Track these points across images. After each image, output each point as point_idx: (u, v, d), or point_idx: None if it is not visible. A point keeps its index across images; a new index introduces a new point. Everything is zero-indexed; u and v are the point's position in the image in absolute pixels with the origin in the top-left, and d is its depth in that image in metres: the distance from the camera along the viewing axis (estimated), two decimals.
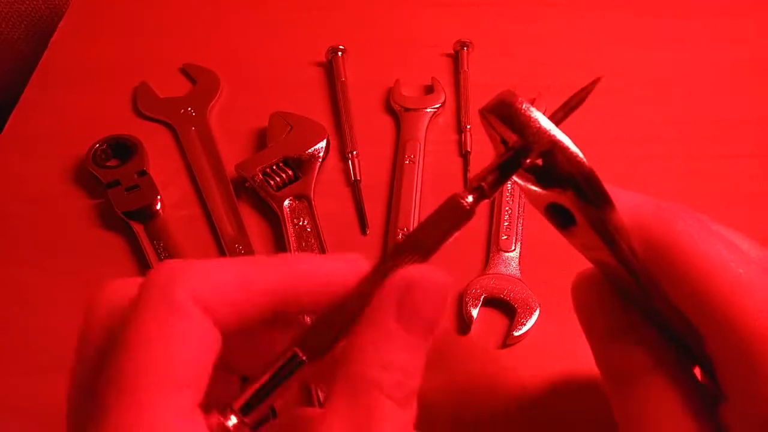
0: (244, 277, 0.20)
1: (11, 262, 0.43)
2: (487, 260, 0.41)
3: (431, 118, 0.49)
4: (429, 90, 0.51)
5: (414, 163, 0.46)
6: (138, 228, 0.43)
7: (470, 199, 0.22)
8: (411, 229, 0.42)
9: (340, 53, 0.52)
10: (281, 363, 0.20)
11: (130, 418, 0.17)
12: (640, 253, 0.22)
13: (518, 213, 0.43)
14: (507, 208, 0.43)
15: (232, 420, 0.19)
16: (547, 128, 0.21)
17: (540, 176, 0.22)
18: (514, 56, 0.54)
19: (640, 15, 0.57)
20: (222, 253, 0.42)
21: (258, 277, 0.20)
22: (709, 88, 0.51)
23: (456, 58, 0.53)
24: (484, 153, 0.47)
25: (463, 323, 0.39)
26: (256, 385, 0.20)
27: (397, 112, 0.50)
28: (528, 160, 0.21)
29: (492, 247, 0.41)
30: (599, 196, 0.21)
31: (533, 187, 0.23)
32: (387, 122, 0.50)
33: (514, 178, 0.23)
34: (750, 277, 0.21)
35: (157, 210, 0.44)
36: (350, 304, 0.20)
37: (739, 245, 0.22)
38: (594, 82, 0.24)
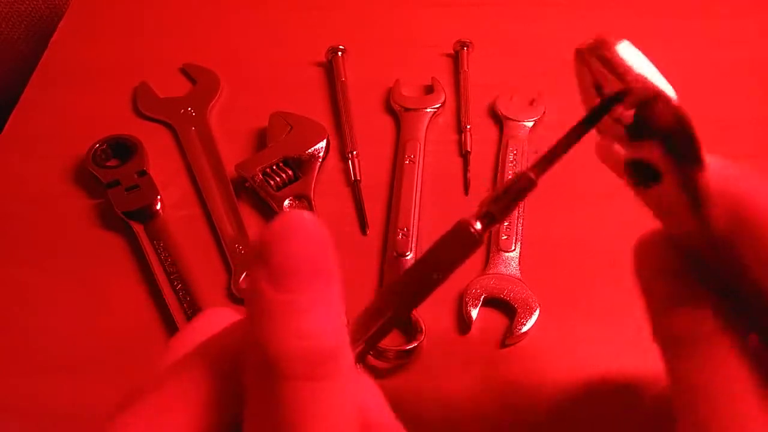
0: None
1: (11, 262, 0.43)
2: (487, 260, 0.41)
3: (431, 118, 0.49)
4: (429, 90, 0.51)
5: (414, 163, 0.46)
6: (138, 228, 0.43)
7: (479, 225, 0.21)
8: (411, 229, 0.42)
9: (340, 53, 0.52)
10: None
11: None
12: (722, 218, 0.21)
13: (518, 213, 0.43)
14: None
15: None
16: (652, 75, 0.20)
17: (632, 127, 0.21)
18: (514, 56, 0.54)
19: (640, 15, 0.57)
20: (222, 253, 0.42)
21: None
22: (709, 88, 0.51)
23: (456, 58, 0.53)
24: (484, 153, 0.47)
25: (463, 323, 0.39)
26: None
27: (397, 112, 0.50)
28: (622, 109, 0.20)
29: (492, 247, 0.41)
30: (695, 154, 0.20)
31: (614, 141, 0.21)
32: (387, 122, 0.50)
33: (593, 131, 0.21)
34: None
35: (157, 210, 0.44)
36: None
37: None
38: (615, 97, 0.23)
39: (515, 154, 0.46)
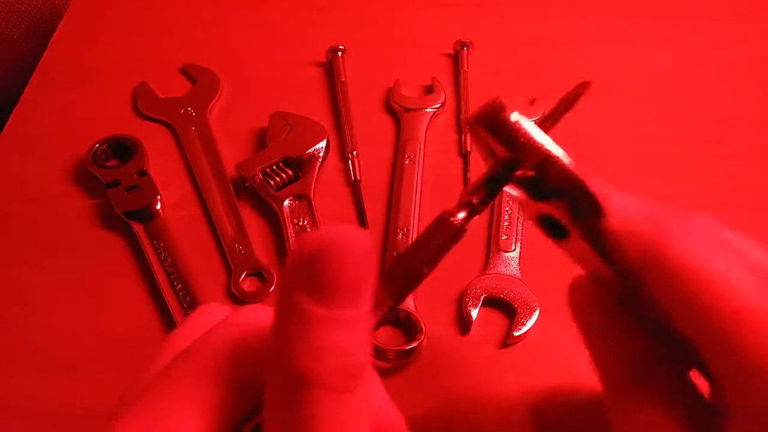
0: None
1: (11, 262, 0.43)
2: (487, 260, 0.41)
3: (431, 118, 0.49)
4: (429, 90, 0.51)
5: (414, 163, 0.46)
6: (138, 228, 0.43)
7: (461, 216, 0.21)
8: (411, 229, 0.42)
9: (340, 53, 0.52)
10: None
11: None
12: (633, 261, 0.21)
13: (518, 213, 0.43)
14: (507, 209, 0.43)
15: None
16: (538, 141, 0.20)
17: (531, 188, 0.21)
18: (514, 56, 0.54)
19: (640, 15, 0.57)
20: (222, 253, 0.42)
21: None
22: (709, 89, 0.51)
23: (456, 58, 0.53)
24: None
25: (463, 323, 0.39)
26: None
27: (397, 112, 0.50)
28: (519, 173, 0.21)
29: (492, 247, 0.41)
30: (591, 208, 0.20)
31: (525, 199, 0.22)
32: (387, 122, 0.50)
33: (506, 189, 0.22)
34: (746, 291, 0.19)
35: (157, 210, 0.44)
36: None
37: (740, 252, 0.21)
38: (582, 86, 0.23)
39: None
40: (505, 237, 0.42)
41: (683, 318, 0.20)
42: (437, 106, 0.49)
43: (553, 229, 0.23)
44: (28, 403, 0.37)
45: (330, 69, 0.53)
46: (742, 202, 0.44)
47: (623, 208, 0.21)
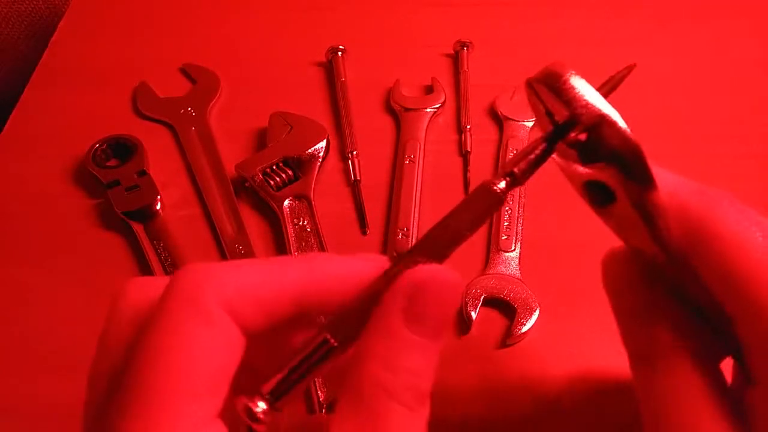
0: (270, 278, 0.20)
1: (11, 262, 0.43)
2: (487, 260, 0.41)
3: (431, 118, 0.49)
4: (429, 90, 0.51)
5: (414, 163, 0.46)
6: (138, 228, 0.43)
7: (502, 185, 0.22)
8: (411, 229, 0.42)
9: (340, 53, 0.52)
10: (311, 348, 0.20)
11: (147, 427, 0.17)
12: (678, 234, 0.22)
13: (518, 213, 0.43)
14: (507, 209, 0.43)
15: (261, 406, 0.19)
16: (597, 102, 0.21)
17: (583, 151, 0.22)
18: (514, 56, 0.54)
19: (641, 15, 0.57)
20: (222, 253, 0.42)
21: (284, 278, 0.20)
22: (710, 88, 0.51)
23: (456, 58, 0.53)
24: (484, 153, 0.47)
25: (463, 323, 0.39)
26: (286, 370, 0.20)
27: (397, 112, 0.50)
28: (573, 134, 0.21)
29: (492, 247, 0.41)
30: (644, 174, 0.21)
31: (573, 163, 0.22)
32: (387, 122, 0.50)
33: (554, 156, 0.22)
34: None
35: (157, 210, 0.44)
36: (380, 290, 0.20)
37: None
38: (628, 69, 0.24)
39: (515, 154, 0.46)
40: (505, 237, 0.42)
41: (725, 289, 0.21)
42: (437, 106, 0.49)
43: (599, 194, 0.23)
44: (28, 403, 0.37)
45: (330, 69, 0.53)
46: (743, 202, 0.44)
47: (673, 180, 0.22)
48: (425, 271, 0.20)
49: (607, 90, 0.23)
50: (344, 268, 0.21)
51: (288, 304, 0.20)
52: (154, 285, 0.20)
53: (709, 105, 0.50)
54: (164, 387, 0.18)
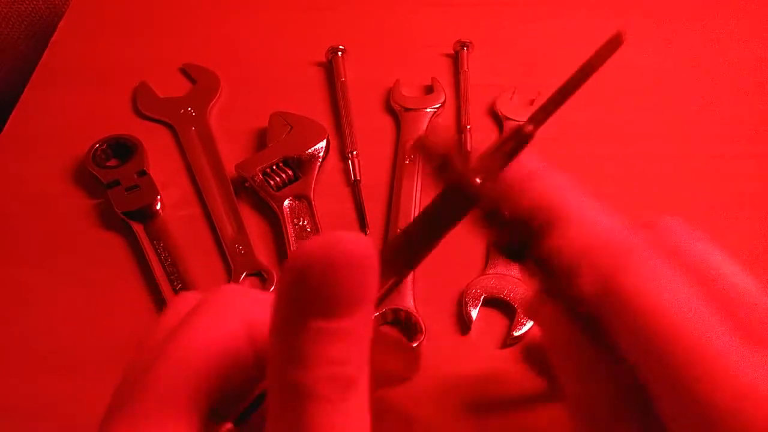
0: None
1: (11, 262, 0.43)
2: (487, 260, 0.41)
3: (431, 118, 0.49)
4: (429, 90, 0.51)
5: (414, 163, 0.46)
6: (138, 228, 0.43)
7: (478, 181, 0.20)
8: None
9: (340, 53, 0.52)
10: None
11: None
12: (588, 290, 0.20)
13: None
14: None
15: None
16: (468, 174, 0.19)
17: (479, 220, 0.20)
18: (514, 56, 0.54)
19: (641, 15, 0.57)
20: (222, 253, 0.42)
21: None
22: (710, 88, 0.51)
23: (456, 58, 0.53)
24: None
25: (463, 323, 0.39)
26: (250, 400, 0.20)
27: (397, 112, 0.50)
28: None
29: (492, 247, 0.41)
30: (541, 252, 0.19)
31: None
32: (387, 122, 0.50)
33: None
34: (706, 332, 0.18)
35: (157, 210, 0.44)
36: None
37: (705, 278, 0.19)
38: (615, 40, 0.20)
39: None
40: None
41: (637, 360, 0.19)
42: (437, 106, 0.49)
43: (509, 254, 0.21)
44: (28, 403, 0.37)
45: (330, 69, 0.53)
46: (742, 202, 0.44)
47: (587, 227, 0.20)
48: (310, 242, 0.16)
49: (587, 72, 0.20)
50: None
51: None
52: (196, 298, 0.21)
53: (708, 105, 0.50)
54: (148, 401, 0.18)
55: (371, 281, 0.17)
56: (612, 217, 0.21)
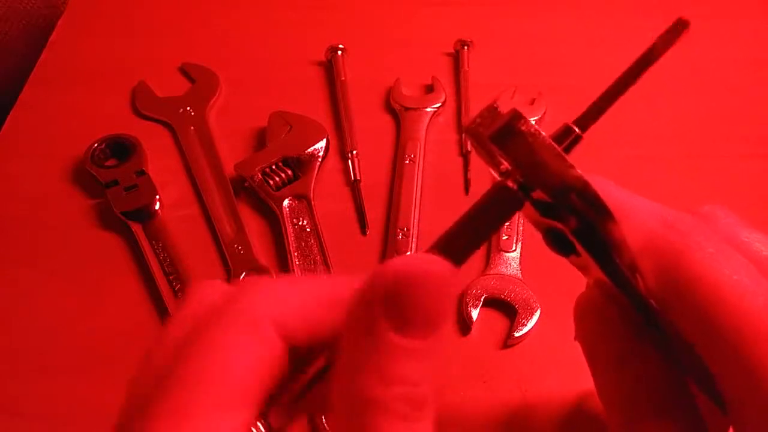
0: (324, 299, 0.19)
1: (9, 262, 0.42)
2: (487, 260, 0.41)
3: (431, 117, 0.49)
4: (429, 89, 0.51)
5: (414, 163, 0.46)
6: (137, 228, 0.42)
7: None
8: (411, 229, 0.42)
9: (339, 52, 0.52)
10: (313, 372, 0.19)
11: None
12: (651, 278, 0.20)
13: (519, 213, 0.42)
14: None
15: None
16: (563, 168, 0.18)
17: (540, 207, 0.20)
18: (514, 56, 0.53)
19: (640, 14, 0.57)
20: (221, 253, 0.42)
21: (338, 301, 0.19)
22: (710, 88, 0.51)
23: (456, 58, 0.53)
24: None
25: (464, 323, 0.38)
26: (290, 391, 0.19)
27: (397, 112, 0.50)
28: (535, 195, 0.19)
29: (492, 247, 0.41)
30: (610, 240, 0.19)
31: (532, 214, 0.21)
32: (387, 122, 0.50)
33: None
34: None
35: (156, 210, 0.44)
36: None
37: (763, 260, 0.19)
38: (680, 25, 0.20)
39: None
40: (506, 237, 0.41)
41: (702, 343, 0.19)
42: (437, 105, 0.49)
43: (561, 244, 0.21)
44: (28, 403, 0.37)
45: (330, 68, 0.53)
46: (742, 202, 0.44)
47: (641, 216, 0.20)
48: (403, 261, 0.17)
49: (650, 59, 0.20)
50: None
51: (337, 325, 0.19)
52: (220, 290, 0.20)
53: (709, 105, 0.50)
54: (196, 396, 0.17)
55: (451, 304, 0.17)
56: (661, 205, 0.21)
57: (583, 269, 0.22)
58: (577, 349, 0.37)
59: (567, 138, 0.19)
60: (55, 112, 0.50)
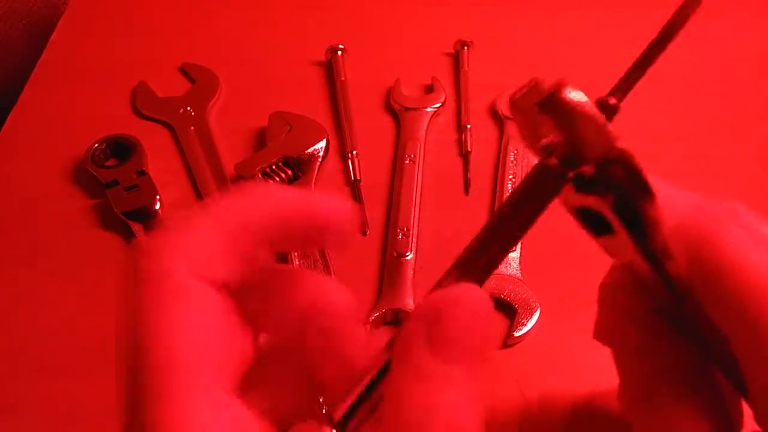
0: (233, 231, 0.19)
1: (10, 262, 0.42)
2: None
3: (431, 117, 0.49)
4: (429, 89, 0.51)
5: (414, 163, 0.46)
6: (137, 228, 0.42)
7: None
8: (411, 229, 0.42)
9: (339, 53, 0.52)
10: (376, 371, 0.18)
11: (166, 421, 0.17)
12: (682, 260, 0.20)
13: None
14: None
15: None
16: (610, 135, 0.18)
17: (580, 182, 0.19)
18: (514, 56, 0.53)
19: (641, 14, 0.57)
20: None
21: (248, 227, 0.19)
22: (710, 88, 0.51)
23: (456, 58, 0.53)
24: (484, 153, 0.47)
25: None
26: (353, 397, 0.18)
27: (397, 112, 0.50)
28: (578, 168, 0.19)
29: None
30: (648, 208, 0.19)
31: (568, 189, 0.20)
32: (387, 122, 0.50)
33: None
34: None
35: (156, 210, 0.44)
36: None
37: None
38: (693, 2, 0.20)
39: (515, 154, 0.46)
40: None
41: (728, 325, 0.19)
42: (437, 105, 0.49)
43: (594, 223, 0.21)
44: (27, 403, 0.37)
45: (330, 68, 0.53)
46: (751, 202, 0.44)
47: (672, 198, 0.20)
48: (444, 293, 0.18)
49: (664, 40, 0.20)
50: (306, 205, 0.20)
51: (258, 252, 0.19)
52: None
53: (709, 105, 0.50)
54: (168, 377, 0.17)
55: (487, 334, 0.19)
56: (693, 192, 0.21)
57: (614, 251, 0.22)
58: (578, 348, 0.38)
59: (604, 109, 0.19)
60: (55, 113, 0.51)
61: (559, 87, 0.18)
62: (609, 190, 0.19)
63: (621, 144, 0.18)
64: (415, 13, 0.57)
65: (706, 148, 0.47)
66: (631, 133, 0.50)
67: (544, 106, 0.18)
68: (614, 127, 0.19)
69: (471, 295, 0.18)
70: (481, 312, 0.18)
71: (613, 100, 0.19)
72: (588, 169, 0.18)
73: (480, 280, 0.20)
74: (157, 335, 0.18)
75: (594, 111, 0.18)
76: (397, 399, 0.17)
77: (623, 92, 0.20)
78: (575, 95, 0.18)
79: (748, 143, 0.48)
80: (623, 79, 0.20)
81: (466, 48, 0.53)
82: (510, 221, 0.20)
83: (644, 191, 0.19)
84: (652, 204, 0.19)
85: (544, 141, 0.20)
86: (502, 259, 0.20)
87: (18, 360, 0.38)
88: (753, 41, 0.54)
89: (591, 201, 0.19)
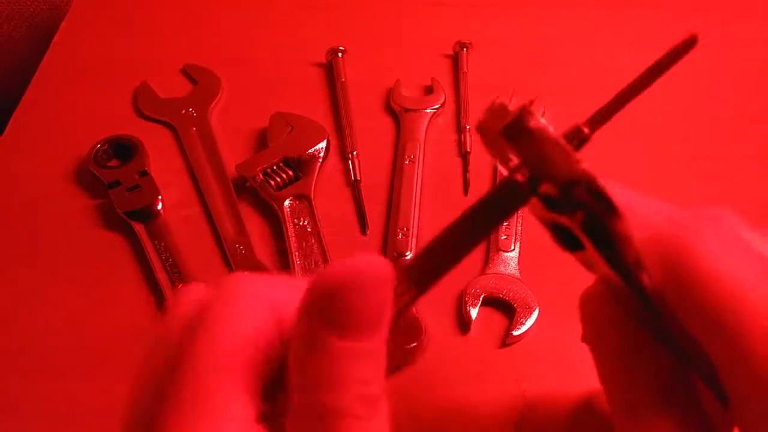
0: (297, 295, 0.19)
1: (12, 262, 0.43)
2: (486, 260, 0.41)
3: (431, 118, 0.49)
4: (429, 90, 0.51)
5: (414, 163, 0.46)
6: (139, 228, 0.43)
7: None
8: (411, 229, 0.42)
9: (340, 54, 0.53)
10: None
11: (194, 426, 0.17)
12: (656, 273, 0.20)
13: (518, 213, 0.43)
14: None
15: None
16: (570, 160, 0.18)
17: (548, 202, 0.20)
18: (514, 56, 0.54)
19: (641, 14, 0.57)
20: (222, 253, 0.42)
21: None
22: (711, 88, 0.51)
23: (455, 59, 0.53)
24: (484, 153, 0.47)
25: (463, 323, 0.39)
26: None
27: (397, 113, 0.50)
28: (543, 189, 0.19)
29: (491, 246, 0.41)
30: (617, 233, 0.19)
31: (539, 208, 0.21)
32: (387, 122, 0.50)
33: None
34: None
35: (158, 210, 0.44)
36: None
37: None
38: (689, 42, 0.20)
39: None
40: (505, 237, 0.42)
41: (706, 336, 0.19)
42: (437, 106, 0.49)
43: (566, 238, 0.21)
44: (28, 403, 0.37)
45: (330, 70, 0.53)
46: (743, 202, 0.44)
47: (645, 210, 0.20)
48: (335, 266, 0.17)
49: (656, 72, 0.20)
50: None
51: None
52: (204, 290, 0.21)
53: (710, 106, 0.50)
54: (206, 386, 0.18)
55: (390, 302, 0.17)
56: (666, 203, 0.21)
57: (589, 265, 0.23)
58: (576, 348, 0.38)
59: (575, 137, 0.20)
60: (58, 113, 0.51)
61: (521, 114, 0.18)
62: (576, 209, 0.19)
63: (583, 166, 0.18)
64: (415, 14, 0.58)
65: (707, 148, 0.48)
66: (631, 133, 0.50)
67: (506, 133, 0.19)
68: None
69: (362, 265, 0.17)
70: (375, 281, 0.17)
71: (586, 130, 0.20)
72: (552, 191, 0.19)
73: (428, 282, 0.20)
74: (207, 347, 0.18)
75: (555, 136, 0.19)
76: (298, 376, 0.17)
77: (598, 123, 0.20)
78: (535, 123, 0.18)
79: (748, 143, 0.48)
80: (602, 110, 0.20)
81: (465, 49, 0.53)
82: (471, 230, 0.20)
83: (609, 210, 0.19)
84: (620, 220, 0.19)
85: (511, 164, 0.20)
86: (452, 267, 0.21)
87: (18, 360, 0.39)
88: (753, 41, 0.55)
89: (562, 219, 0.20)
